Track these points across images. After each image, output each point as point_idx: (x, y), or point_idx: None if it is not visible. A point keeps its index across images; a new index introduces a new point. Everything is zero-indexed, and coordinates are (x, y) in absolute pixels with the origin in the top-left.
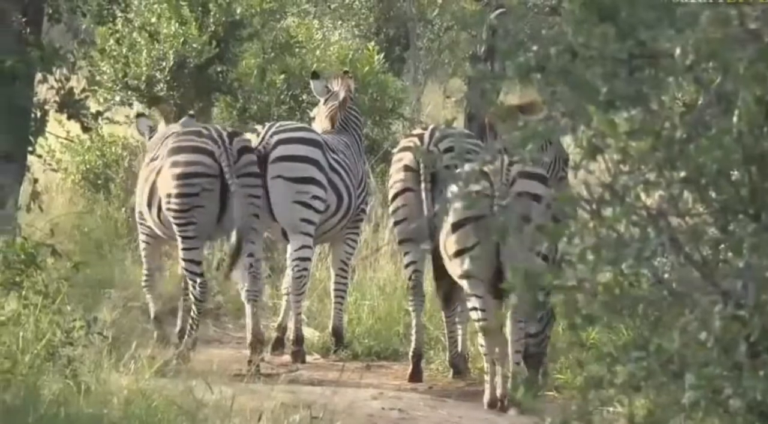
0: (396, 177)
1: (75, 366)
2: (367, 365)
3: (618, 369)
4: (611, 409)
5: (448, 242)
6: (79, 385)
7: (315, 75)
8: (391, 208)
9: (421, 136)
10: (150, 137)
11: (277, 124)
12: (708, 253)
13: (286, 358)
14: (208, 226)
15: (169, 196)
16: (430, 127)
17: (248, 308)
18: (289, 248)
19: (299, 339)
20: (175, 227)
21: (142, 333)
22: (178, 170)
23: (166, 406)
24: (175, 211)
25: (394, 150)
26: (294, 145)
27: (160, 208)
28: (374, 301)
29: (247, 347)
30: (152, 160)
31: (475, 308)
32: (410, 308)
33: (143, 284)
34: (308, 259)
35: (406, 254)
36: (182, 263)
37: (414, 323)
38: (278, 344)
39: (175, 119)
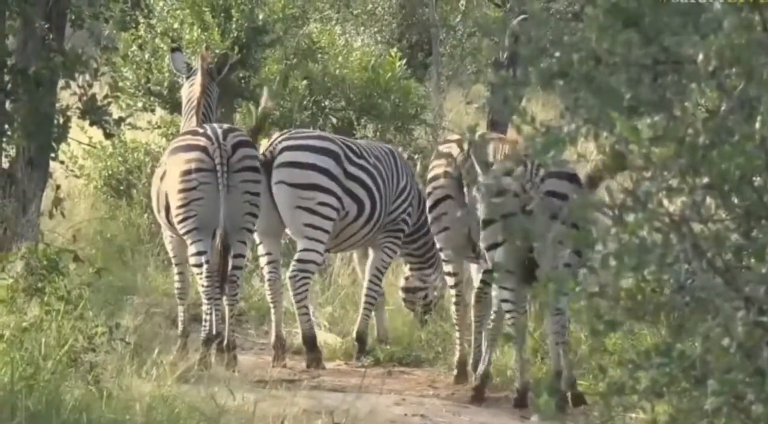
0: (435, 183)
1: (97, 372)
2: (389, 371)
3: (640, 375)
4: (633, 415)
5: (481, 238)
6: (101, 391)
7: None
8: (431, 216)
9: (459, 142)
10: (188, 76)
11: (293, 131)
12: (730, 259)
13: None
14: (209, 218)
15: (170, 194)
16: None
17: (225, 311)
18: None
19: (310, 342)
20: (177, 224)
21: (164, 339)
22: (175, 169)
23: (189, 412)
24: (176, 207)
25: (431, 157)
26: (299, 152)
27: (168, 211)
28: (397, 307)
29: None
30: (159, 166)
31: (505, 300)
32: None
33: (176, 291)
34: (310, 262)
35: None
36: (190, 259)
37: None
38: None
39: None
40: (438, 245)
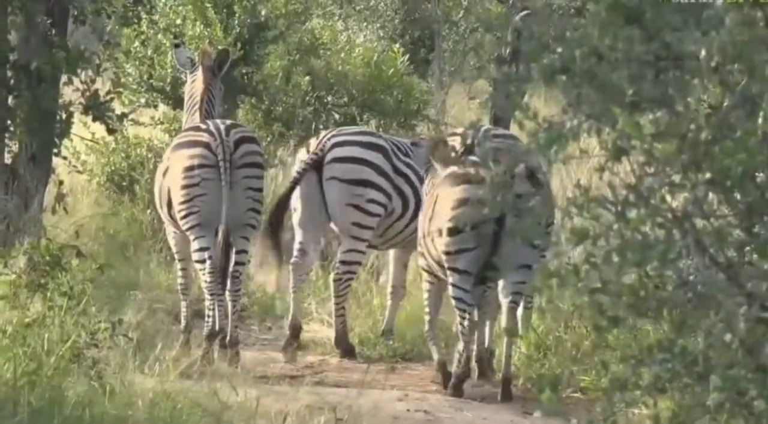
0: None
1: (100, 368)
2: (391, 366)
3: (643, 371)
4: (636, 411)
5: (443, 242)
6: (103, 387)
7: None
8: None
9: (463, 135)
10: (191, 71)
11: (339, 129)
12: (733, 255)
13: (310, 359)
14: (212, 214)
15: (173, 190)
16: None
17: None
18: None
19: (343, 341)
20: (180, 220)
21: (167, 335)
22: (178, 165)
23: (191, 408)
24: (179, 203)
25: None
26: (350, 147)
27: (170, 206)
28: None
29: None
30: (162, 162)
31: (460, 299)
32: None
33: (179, 287)
34: (354, 262)
35: None
36: (193, 255)
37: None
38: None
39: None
40: None
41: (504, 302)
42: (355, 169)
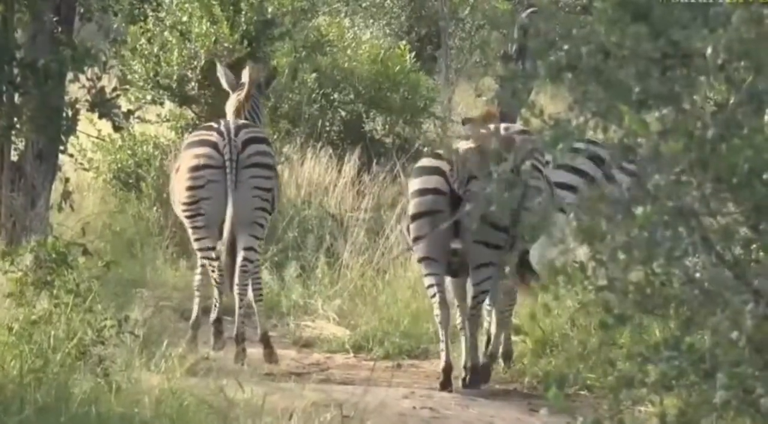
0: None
1: (106, 365)
2: (397, 364)
3: (649, 368)
4: (642, 408)
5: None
6: (110, 384)
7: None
8: None
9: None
10: (234, 88)
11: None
12: (740, 252)
13: (316, 356)
14: (217, 215)
15: (179, 190)
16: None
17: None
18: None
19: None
20: (185, 219)
21: (173, 332)
22: (186, 164)
23: (197, 405)
24: (184, 203)
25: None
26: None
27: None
28: (405, 300)
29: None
30: (175, 160)
31: (431, 285)
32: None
33: (196, 282)
34: None
35: None
36: (198, 254)
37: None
38: None
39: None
40: None
41: (468, 298)
42: (562, 175)
